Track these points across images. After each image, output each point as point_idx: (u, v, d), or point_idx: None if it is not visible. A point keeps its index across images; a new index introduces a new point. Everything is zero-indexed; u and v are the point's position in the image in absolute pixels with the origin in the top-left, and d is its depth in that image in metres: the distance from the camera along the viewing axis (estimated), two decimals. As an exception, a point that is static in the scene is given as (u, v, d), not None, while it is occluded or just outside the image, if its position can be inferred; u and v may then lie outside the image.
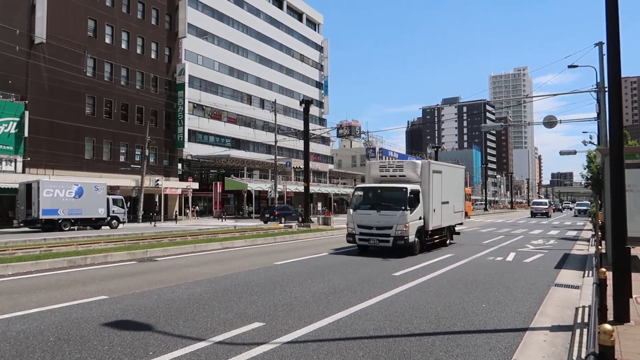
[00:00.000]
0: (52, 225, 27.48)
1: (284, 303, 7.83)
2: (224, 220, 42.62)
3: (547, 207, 55.92)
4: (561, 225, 36.35)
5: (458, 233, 19.62)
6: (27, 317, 6.91)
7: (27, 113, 33.41)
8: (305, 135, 31.02)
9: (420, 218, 15.14)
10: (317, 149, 71.17)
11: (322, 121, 76.09)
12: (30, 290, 9.02)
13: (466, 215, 42.88)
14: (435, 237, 16.52)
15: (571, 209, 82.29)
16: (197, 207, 49.75)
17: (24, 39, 34.19)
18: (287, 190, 52.70)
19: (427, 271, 11.45)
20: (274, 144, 49.01)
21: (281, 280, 10.02)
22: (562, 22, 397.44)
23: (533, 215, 53.70)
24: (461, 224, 20.09)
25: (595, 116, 23.86)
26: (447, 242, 17.80)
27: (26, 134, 33.39)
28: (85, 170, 36.68)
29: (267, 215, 38.56)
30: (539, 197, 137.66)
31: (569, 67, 23.57)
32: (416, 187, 15.24)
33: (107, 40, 39.92)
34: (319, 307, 7.55)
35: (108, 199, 30.85)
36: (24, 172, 33.37)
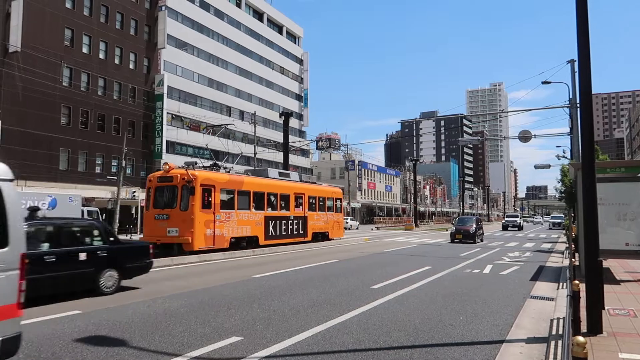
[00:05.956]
0: (24, 238, 26.75)
1: (262, 317, 7.76)
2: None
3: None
4: (536, 238, 36.98)
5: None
6: (-4, 333, 6.67)
7: (-1, 122, 32.70)
8: (285, 148, 31.04)
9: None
10: (297, 161, 71.18)
11: (301, 133, 76.26)
12: None
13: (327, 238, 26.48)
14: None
15: (529, 222, 76.05)
16: None
17: (-2, 47, 33.57)
18: (266, 202, 52.39)
19: (406, 284, 11.50)
20: (253, 155, 48.88)
21: (259, 294, 9.93)
22: (536, 38, 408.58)
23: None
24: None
25: (568, 131, 24.51)
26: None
27: (-2, 144, 32.62)
28: (59, 182, 35.92)
29: None
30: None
31: (543, 83, 24.19)
32: None
33: (85, 49, 39.43)
34: (297, 321, 7.50)
35: (83, 211, 30.20)
36: (-5, 183, 32.48)
